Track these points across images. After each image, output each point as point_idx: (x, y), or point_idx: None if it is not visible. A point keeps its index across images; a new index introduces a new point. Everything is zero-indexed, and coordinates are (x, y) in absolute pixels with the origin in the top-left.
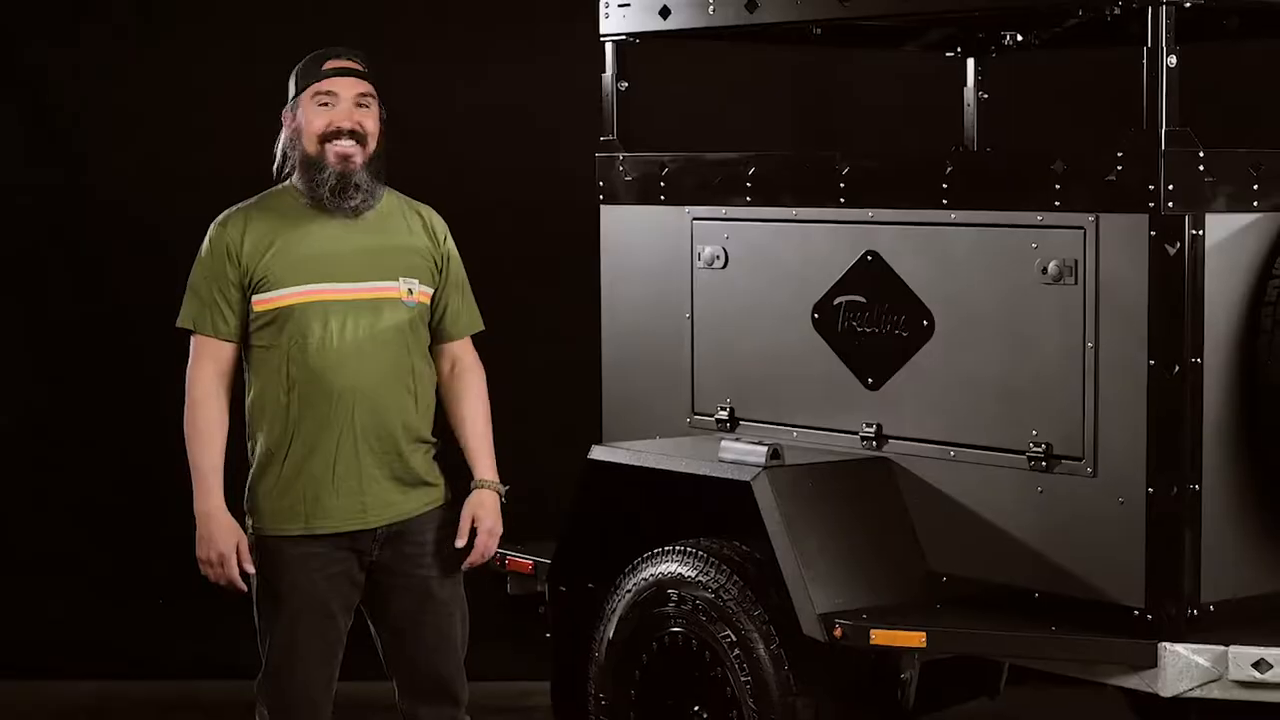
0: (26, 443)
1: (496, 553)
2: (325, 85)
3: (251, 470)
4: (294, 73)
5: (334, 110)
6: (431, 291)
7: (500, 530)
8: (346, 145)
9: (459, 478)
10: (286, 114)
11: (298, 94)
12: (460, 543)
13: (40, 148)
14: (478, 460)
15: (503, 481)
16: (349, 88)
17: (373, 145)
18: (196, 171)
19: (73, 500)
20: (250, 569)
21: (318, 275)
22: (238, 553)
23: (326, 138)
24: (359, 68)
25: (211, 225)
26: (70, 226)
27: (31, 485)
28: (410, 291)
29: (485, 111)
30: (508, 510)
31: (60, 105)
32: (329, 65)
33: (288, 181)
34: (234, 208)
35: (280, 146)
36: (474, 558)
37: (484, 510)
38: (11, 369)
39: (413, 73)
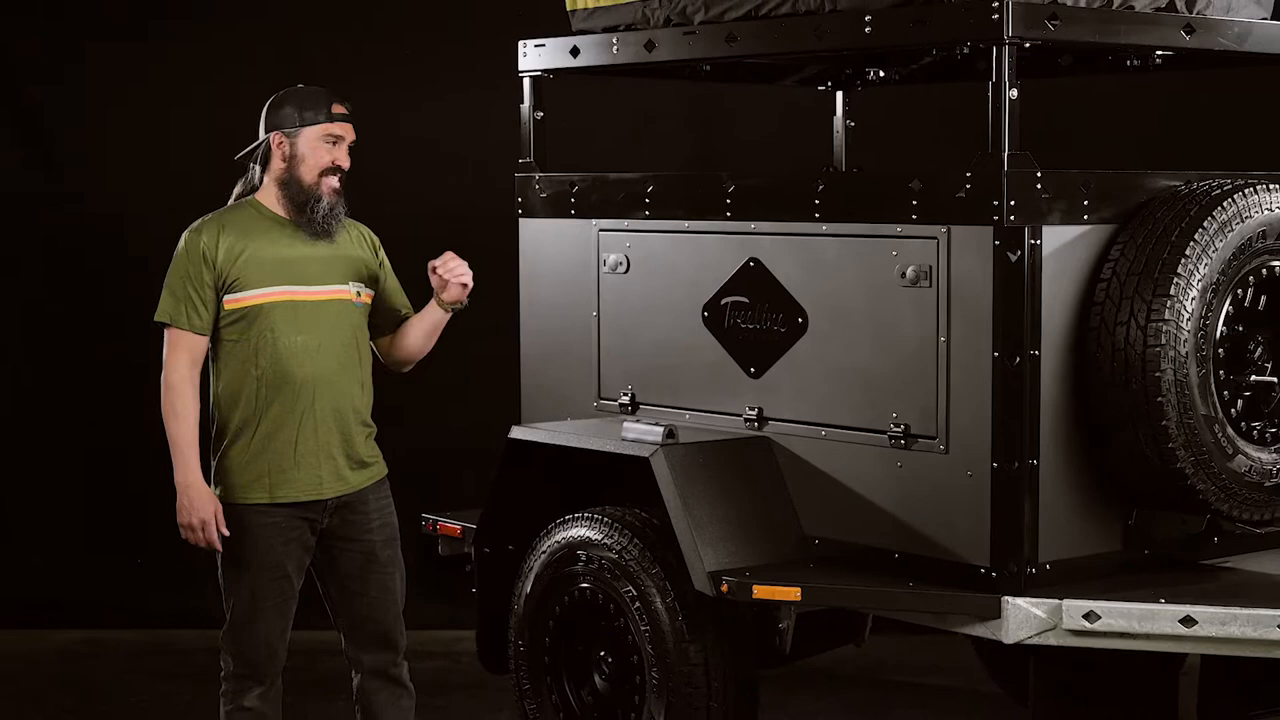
0: (20, 422)
1: (429, 519)
2: (335, 128)
3: (220, 447)
4: (289, 102)
5: (337, 151)
6: (373, 294)
7: (469, 278)
8: (336, 182)
9: (398, 459)
10: (278, 135)
11: (301, 125)
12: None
13: (33, 164)
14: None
15: (434, 456)
16: (350, 133)
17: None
18: (170, 188)
19: (61, 472)
20: (226, 532)
21: (283, 278)
22: (215, 518)
23: (326, 172)
24: (351, 118)
25: (186, 231)
26: (60, 234)
27: (25, 461)
28: (358, 294)
29: (420, 138)
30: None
31: (52, 128)
32: (337, 109)
33: (252, 195)
34: (206, 217)
35: (256, 161)
36: (453, 291)
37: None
38: (7, 356)
39: (357, 110)
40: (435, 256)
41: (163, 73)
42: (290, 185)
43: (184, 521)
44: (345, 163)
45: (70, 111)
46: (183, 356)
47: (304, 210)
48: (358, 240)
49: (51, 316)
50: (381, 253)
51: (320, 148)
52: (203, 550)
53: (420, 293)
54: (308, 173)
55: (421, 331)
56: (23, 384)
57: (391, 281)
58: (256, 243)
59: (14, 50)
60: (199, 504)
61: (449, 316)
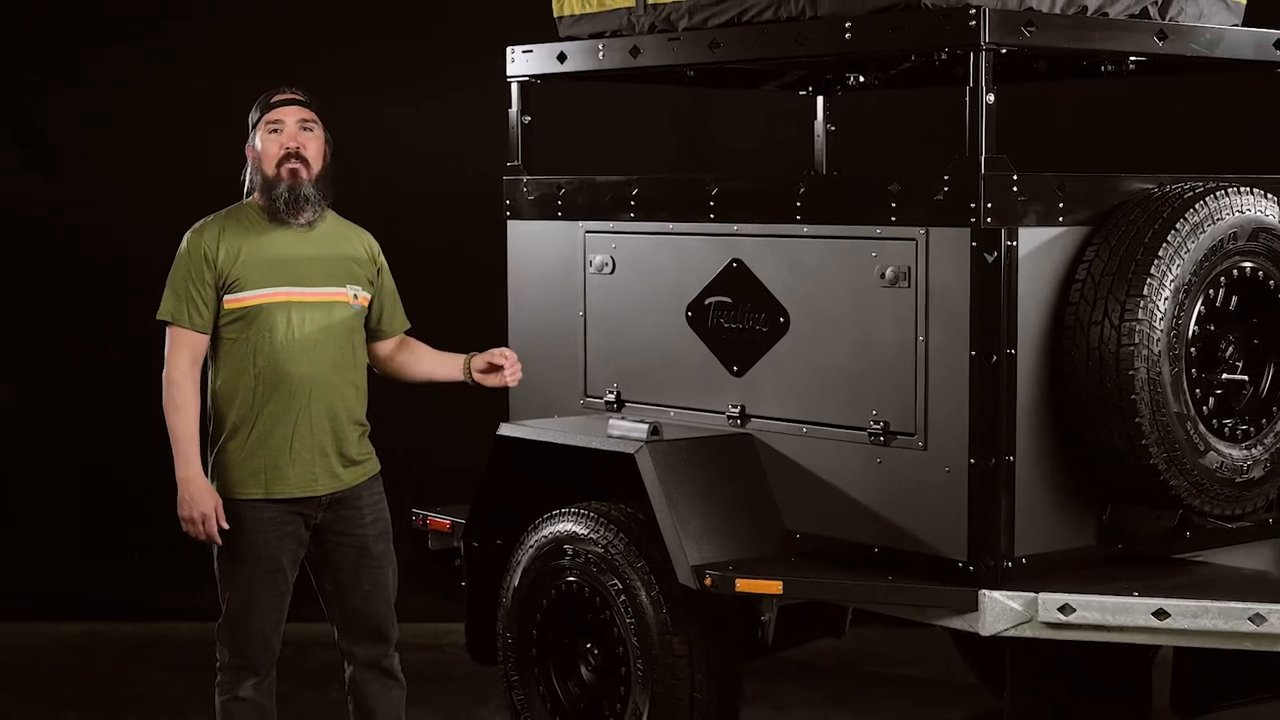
0: (20, 420)
1: (419, 514)
2: (274, 115)
3: (218, 443)
4: (250, 113)
5: (281, 134)
6: (370, 297)
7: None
8: (294, 165)
9: (389, 456)
10: (249, 148)
11: (254, 127)
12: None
13: (33, 164)
14: (454, 356)
15: (425, 453)
16: (292, 114)
17: (318, 165)
18: (170, 188)
19: (61, 468)
20: (226, 526)
21: (281, 279)
22: (216, 512)
23: (280, 160)
24: (301, 98)
25: (188, 232)
26: (60, 234)
27: (25, 457)
28: (355, 296)
29: (413, 143)
30: None
31: (52, 128)
32: (275, 99)
33: (250, 199)
34: (207, 218)
35: (246, 174)
36: (491, 380)
37: (495, 350)
38: (8, 355)
39: (355, 113)
40: (430, 256)
41: (163, 73)
42: (262, 185)
43: (185, 515)
44: (292, 143)
45: (70, 111)
46: (184, 353)
47: (273, 203)
48: (356, 245)
49: (51, 316)
50: (381, 259)
51: (268, 140)
52: (199, 544)
53: (418, 295)
54: (267, 166)
55: (429, 372)
56: (23, 382)
57: (388, 291)
58: (256, 244)
59: (14, 50)
60: (200, 498)
61: (461, 383)
